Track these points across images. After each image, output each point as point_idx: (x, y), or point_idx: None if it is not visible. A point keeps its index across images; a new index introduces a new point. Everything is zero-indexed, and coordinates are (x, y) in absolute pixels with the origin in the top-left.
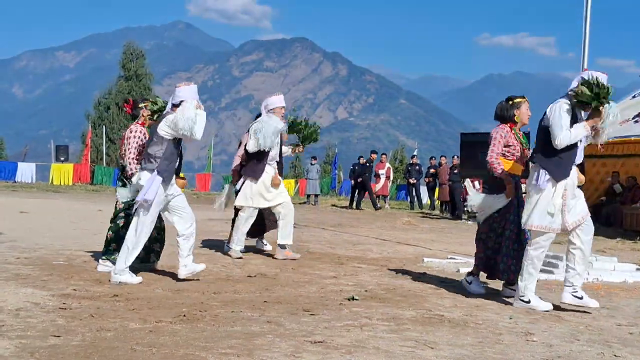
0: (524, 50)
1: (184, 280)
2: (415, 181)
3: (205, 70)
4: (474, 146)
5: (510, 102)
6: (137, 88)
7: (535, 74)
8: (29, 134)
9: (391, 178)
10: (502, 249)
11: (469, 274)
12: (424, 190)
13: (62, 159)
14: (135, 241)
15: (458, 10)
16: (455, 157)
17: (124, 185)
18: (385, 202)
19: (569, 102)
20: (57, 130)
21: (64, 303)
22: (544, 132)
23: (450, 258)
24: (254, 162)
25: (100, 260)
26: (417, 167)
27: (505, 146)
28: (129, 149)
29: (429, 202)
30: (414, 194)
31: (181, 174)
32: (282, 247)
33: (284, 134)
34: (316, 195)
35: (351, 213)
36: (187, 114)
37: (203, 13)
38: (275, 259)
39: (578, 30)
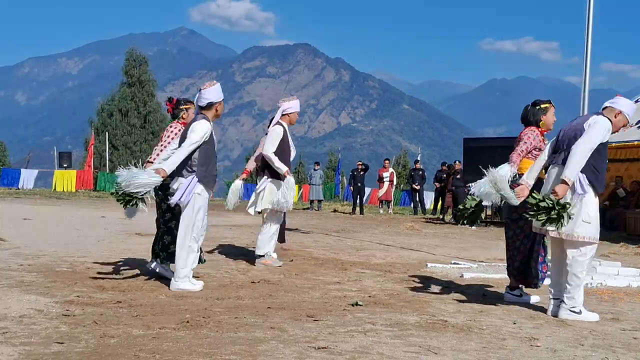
0: (528, 55)
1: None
2: (419, 187)
3: (208, 77)
4: (477, 151)
5: (538, 107)
6: (140, 94)
7: (538, 78)
8: (32, 140)
9: (394, 183)
10: (533, 254)
11: (513, 288)
12: (427, 196)
13: (65, 165)
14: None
15: (461, 14)
16: (458, 162)
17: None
18: (388, 208)
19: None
20: (61, 137)
21: (67, 310)
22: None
23: (454, 263)
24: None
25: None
26: (421, 172)
27: (535, 149)
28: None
29: (431, 206)
30: (417, 199)
31: None
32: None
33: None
34: (319, 201)
35: (354, 218)
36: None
37: (206, 19)
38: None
39: (582, 35)
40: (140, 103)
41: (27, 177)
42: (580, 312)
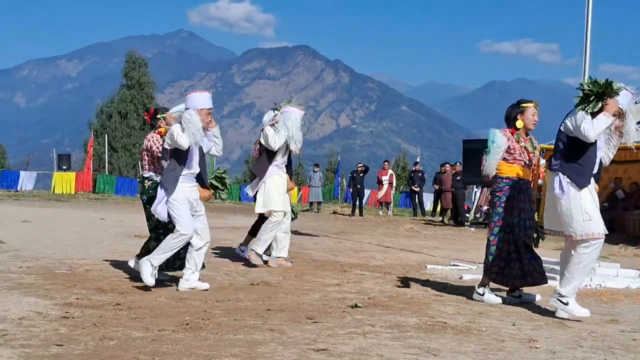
0: (527, 57)
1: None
2: (418, 188)
3: (208, 79)
4: (477, 153)
5: (517, 106)
6: (140, 96)
7: (537, 80)
8: (31, 143)
9: (394, 185)
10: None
11: (512, 291)
12: (427, 197)
13: (64, 167)
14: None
15: (460, 16)
16: (458, 163)
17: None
18: (388, 209)
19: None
20: (60, 139)
21: (66, 312)
22: (564, 139)
23: (454, 265)
24: (265, 162)
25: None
26: (420, 174)
27: (506, 151)
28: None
29: (431, 208)
30: (416, 201)
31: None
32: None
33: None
34: (319, 203)
35: (354, 220)
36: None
37: (205, 21)
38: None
39: (581, 36)
40: (139, 105)
41: (26, 179)
42: (567, 304)
